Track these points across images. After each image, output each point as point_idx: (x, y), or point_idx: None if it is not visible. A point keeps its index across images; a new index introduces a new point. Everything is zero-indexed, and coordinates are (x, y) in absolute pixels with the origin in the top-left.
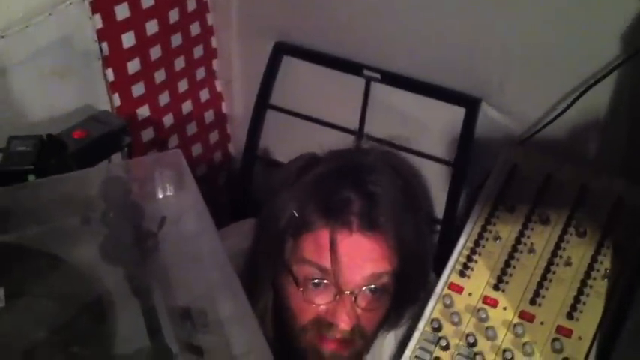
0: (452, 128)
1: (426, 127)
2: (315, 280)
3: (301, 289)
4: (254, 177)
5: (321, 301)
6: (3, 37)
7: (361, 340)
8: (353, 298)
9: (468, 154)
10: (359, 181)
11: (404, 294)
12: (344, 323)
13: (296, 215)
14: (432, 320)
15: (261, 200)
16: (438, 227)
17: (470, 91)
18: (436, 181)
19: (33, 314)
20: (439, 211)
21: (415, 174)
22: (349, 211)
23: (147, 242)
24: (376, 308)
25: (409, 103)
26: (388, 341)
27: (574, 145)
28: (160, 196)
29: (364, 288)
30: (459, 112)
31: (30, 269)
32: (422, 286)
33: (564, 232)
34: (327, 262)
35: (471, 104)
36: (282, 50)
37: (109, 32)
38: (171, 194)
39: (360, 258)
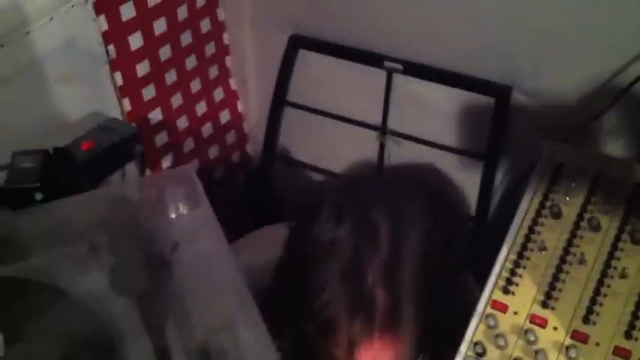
0: (482, 120)
1: (453, 120)
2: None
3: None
4: (273, 177)
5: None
6: (2, 45)
7: None
8: None
9: (499, 146)
10: (379, 256)
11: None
12: None
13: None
14: (475, 344)
15: (281, 202)
16: (471, 224)
17: (499, 79)
18: (467, 177)
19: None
20: (471, 207)
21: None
22: (373, 312)
23: (159, 270)
24: None
25: (434, 95)
26: None
27: (626, 139)
28: (173, 216)
29: None
30: (488, 102)
31: (31, 308)
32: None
33: (618, 239)
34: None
35: (501, 93)
36: (297, 43)
37: (115, 34)
38: (185, 213)
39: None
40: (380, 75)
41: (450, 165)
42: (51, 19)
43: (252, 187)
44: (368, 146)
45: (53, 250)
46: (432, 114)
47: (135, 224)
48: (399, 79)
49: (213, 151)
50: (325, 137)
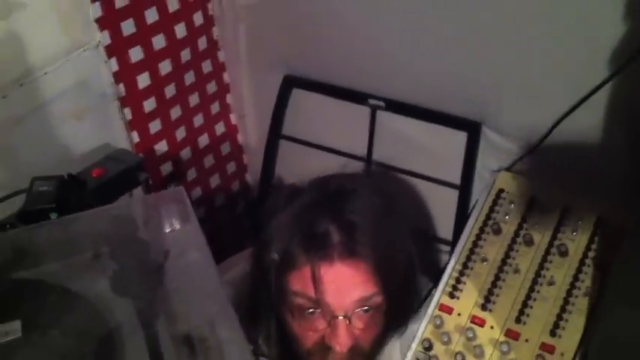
0: (455, 152)
1: (430, 152)
2: (310, 310)
3: (297, 319)
4: None
5: (318, 327)
6: (22, 85)
7: (362, 358)
8: (347, 322)
9: (471, 176)
10: (337, 211)
11: (397, 308)
12: (339, 346)
13: (276, 258)
14: (424, 340)
15: None
16: (448, 248)
17: (470, 116)
18: (444, 204)
19: (46, 345)
20: (449, 232)
21: (398, 190)
22: (329, 244)
23: (152, 275)
24: (371, 326)
25: (413, 129)
26: (395, 352)
27: (557, 168)
28: (167, 230)
29: (357, 310)
30: (461, 137)
31: (45, 303)
32: (414, 296)
33: (547, 252)
34: (315, 294)
35: (472, 128)
36: (291, 83)
37: (125, 74)
38: (177, 228)
39: (346, 285)
40: (365, 111)
41: (428, 193)
42: (67, 61)
43: (251, 214)
44: None
45: (63, 258)
46: (412, 146)
47: (133, 236)
48: (382, 115)
49: (215, 180)
50: (317, 168)
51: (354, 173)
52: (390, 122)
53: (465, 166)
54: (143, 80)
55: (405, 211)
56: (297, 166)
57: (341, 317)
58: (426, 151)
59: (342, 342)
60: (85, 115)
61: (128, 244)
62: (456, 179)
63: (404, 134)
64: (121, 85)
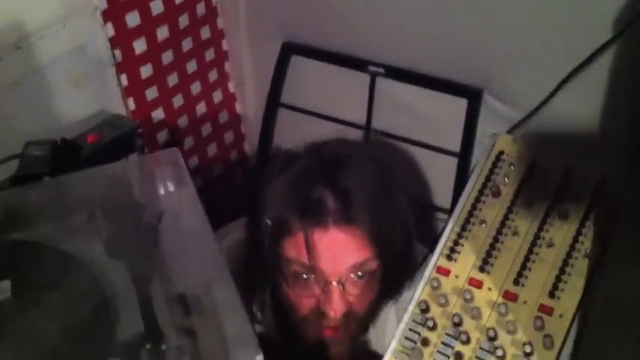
0: (456, 119)
1: (430, 120)
2: (304, 276)
3: (291, 285)
4: None
5: (313, 294)
6: (19, 47)
7: (356, 323)
8: (341, 287)
9: (471, 144)
10: (332, 177)
11: (392, 274)
12: (334, 312)
13: (270, 224)
14: (421, 302)
15: None
16: (447, 217)
17: (471, 82)
18: (443, 172)
19: (38, 304)
20: (447, 201)
21: (397, 158)
22: (323, 210)
23: (147, 236)
24: (366, 292)
25: (413, 97)
26: (391, 317)
27: (559, 132)
28: (162, 193)
29: (351, 275)
30: (461, 104)
31: (37, 264)
32: (409, 262)
33: (547, 215)
34: (309, 260)
35: (472, 95)
36: (290, 50)
37: (121, 39)
38: (172, 190)
39: (340, 251)
40: (364, 78)
41: (427, 161)
42: (63, 25)
43: (249, 184)
44: None
45: (56, 220)
46: (412, 114)
47: (127, 198)
48: (382, 82)
49: (212, 149)
50: (315, 136)
51: (351, 140)
52: (390, 89)
53: (465, 134)
54: (140, 46)
55: (403, 178)
56: (296, 135)
57: (335, 283)
58: (426, 119)
59: (335, 307)
60: (81, 81)
61: (122, 206)
62: (456, 147)
63: (403, 101)
64: (118, 51)
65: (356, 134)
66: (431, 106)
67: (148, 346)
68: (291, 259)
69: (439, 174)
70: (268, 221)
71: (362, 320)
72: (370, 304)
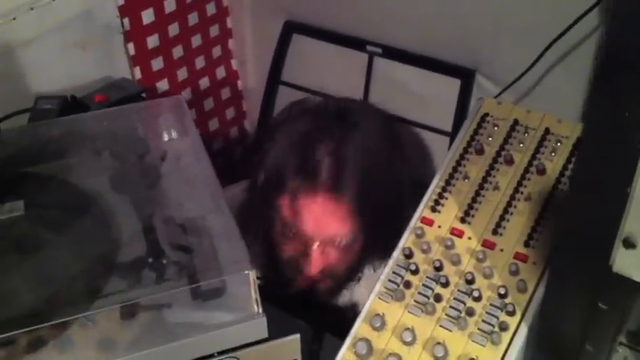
0: (449, 99)
1: (424, 99)
2: (289, 234)
3: (279, 234)
4: None
5: (298, 248)
6: (32, 8)
7: (331, 280)
8: (321, 250)
9: (463, 124)
10: (331, 144)
11: (376, 246)
12: (309, 269)
13: (262, 179)
14: (405, 249)
15: None
16: None
17: (464, 63)
18: (436, 151)
19: (46, 224)
20: None
21: (397, 131)
22: (316, 177)
23: (150, 173)
24: (346, 255)
25: (409, 76)
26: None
27: (541, 96)
28: (166, 139)
29: (334, 242)
30: (455, 84)
31: (46, 191)
32: (396, 234)
33: (526, 171)
34: (297, 221)
35: (465, 76)
36: (291, 29)
37: (130, 8)
38: (175, 137)
39: (325, 218)
40: (363, 58)
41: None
42: None
43: (249, 160)
44: None
45: (65, 155)
46: (407, 93)
47: (133, 138)
48: (379, 62)
49: (213, 124)
50: None
51: (360, 101)
52: (387, 69)
53: (457, 114)
54: (147, 16)
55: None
56: None
57: (315, 246)
58: (420, 98)
59: (313, 265)
60: (89, 46)
61: (128, 144)
62: (449, 127)
63: (399, 81)
64: (126, 20)
65: None
66: (425, 86)
67: (150, 260)
68: (283, 216)
69: (432, 153)
70: (262, 177)
71: (337, 278)
72: (349, 267)
